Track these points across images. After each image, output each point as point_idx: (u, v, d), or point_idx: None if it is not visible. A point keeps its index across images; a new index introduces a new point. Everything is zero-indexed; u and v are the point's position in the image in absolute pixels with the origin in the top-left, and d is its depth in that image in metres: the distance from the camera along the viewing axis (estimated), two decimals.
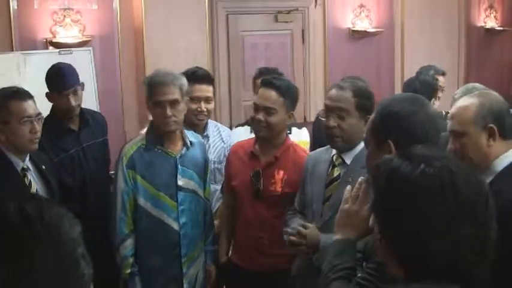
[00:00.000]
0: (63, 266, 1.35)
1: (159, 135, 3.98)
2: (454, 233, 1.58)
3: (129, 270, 3.94)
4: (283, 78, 4.20)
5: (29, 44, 6.15)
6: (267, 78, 4.09)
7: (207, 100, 4.47)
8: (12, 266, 1.30)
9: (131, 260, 3.95)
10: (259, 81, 5.03)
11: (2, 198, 1.43)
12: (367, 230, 2.35)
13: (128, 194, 3.93)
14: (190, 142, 4.06)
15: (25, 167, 3.78)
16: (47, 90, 4.37)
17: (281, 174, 3.96)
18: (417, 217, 1.61)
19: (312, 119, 6.98)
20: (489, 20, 10.01)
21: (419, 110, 2.61)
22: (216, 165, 4.55)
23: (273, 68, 5.49)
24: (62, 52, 6.03)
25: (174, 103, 3.88)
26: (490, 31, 9.96)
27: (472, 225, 1.59)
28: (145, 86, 3.99)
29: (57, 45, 6.23)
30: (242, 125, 5.26)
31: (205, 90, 4.46)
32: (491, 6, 10.00)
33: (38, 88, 4.25)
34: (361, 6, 8.66)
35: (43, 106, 4.16)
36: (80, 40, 6.41)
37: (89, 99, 5.82)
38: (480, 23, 9.91)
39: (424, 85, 5.49)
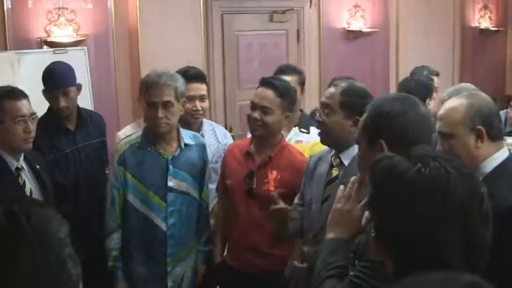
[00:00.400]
0: (49, 267, 1.35)
1: (154, 135, 3.98)
2: (444, 234, 1.58)
3: (111, 263, 3.97)
4: (283, 79, 4.20)
5: (23, 43, 6.12)
6: (267, 77, 4.10)
7: (202, 98, 4.47)
8: None
9: (115, 253, 3.99)
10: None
11: None
12: (359, 229, 2.36)
13: (117, 190, 3.97)
14: (186, 144, 4.06)
15: (19, 166, 3.78)
16: (41, 89, 4.39)
17: (274, 174, 3.96)
18: (408, 216, 1.61)
19: None
20: (484, 21, 10.03)
21: (410, 110, 2.62)
22: (211, 164, 4.55)
23: (293, 66, 5.46)
24: (57, 51, 6.02)
25: (166, 105, 3.89)
26: (485, 31, 9.98)
27: (463, 228, 1.59)
28: (140, 85, 4.01)
29: (52, 44, 6.21)
30: None
31: (199, 88, 4.46)
32: (485, 7, 10.02)
33: (32, 87, 4.25)
34: (356, 6, 8.66)
35: (38, 106, 4.16)
36: (75, 39, 6.39)
37: (83, 98, 5.80)
38: (475, 24, 9.93)
39: (419, 85, 5.49)
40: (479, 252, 1.62)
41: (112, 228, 3.99)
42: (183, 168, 4.04)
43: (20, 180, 3.76)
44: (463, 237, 1.59)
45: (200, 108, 4.45)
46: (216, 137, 4.65)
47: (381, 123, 2.59)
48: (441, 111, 2.96)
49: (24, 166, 3.83)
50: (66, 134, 4.38)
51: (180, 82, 3.97)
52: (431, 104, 5.54)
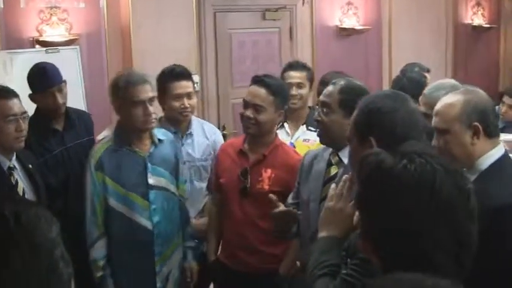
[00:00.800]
0: (40, 267, 1.35)
1: (126, 136, 3.98)
2: (429, 231, 1.58)
3: (100, 273, 3.95)
4: (275, 77, 4.19)
5: (16, 42, 6.12)
6: (259, 75, 4.09)
7: (189, 96, 4.44)
8: None
9: (102, 263, 3.96)
10: (286, 74, 5.05)
11: None
12: (351, 227, 2.36)
13: (97, 196, 3.94)
14: (159, 139, 4.07)
15: (11, 166, 3.77)
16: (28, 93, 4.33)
17: (269, 172, 3.96)
18: (394, 213, 1.61)
19: None
20: (476, 18, 10.05)
21: (400, 107, 2.62)
22: (201, 162, 4.55)
23: (303, 62, 5.46)
24: (49, 51, 6.01)
25: (152, 100, 3.94)
26: (478, 28, 10.00)
27: (450, 224, 1.59)
28: (115, 88, 3.97)
29: (44, 43, 6.20)
30: None
31: (186, 86, 4.43)
32: (478, 4, 10.05)
33: (24, 87, 4.24)
34: (349, 3, 8.66)
35: (30, 105, 4.16)
36: (67, 39, 6.38)
37: (76, 98, 5.80)
38: (467, 20, 9.95)
39: (412, 82, 5.48)
40: (466, 249, 1.61)
41: (95, 237, 3.95)
42: (159, 164, 4.05)
43: (12, 180, 3.75)
44: (450, 233, 1.58)
45: (188, 105, 4.43)
46: (205, 134, 4.63)
47: (371, 120, 2.59)
48: (437, 107, 2.95)
49: (17, 165, 3.82)
50: (55, 134, 4.34)
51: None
52: None
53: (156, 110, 4.05)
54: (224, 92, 7.77)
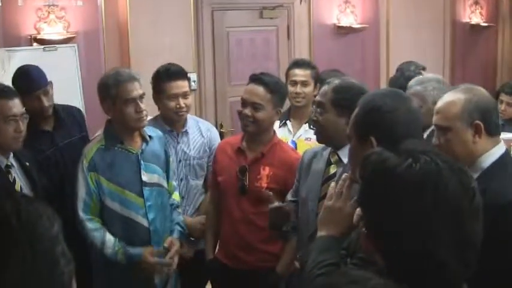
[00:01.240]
0: (40, 265, 1.34)
1: (117, 134, 3.98)
2: (433, 231, 1.57)
3: (116, 249, 3.90)
4: (272, 75, 4.18)
5: (13, 40, 6.11)
6: (256, 73, 4.08)
7: (185, 95, 4.42)
8: None
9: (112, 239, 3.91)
10: (291, 72, 5.05)
11: None
12: (350, 226, 2.36)
13: (90, 196, 3.90)
14: (149, 136, 4.07)
15: (9, 164, 3.77)
16: None
17: (267, 170, 3.96)
18: (399, 212, 1.59)
19: None
20: (474, 16, 10.05)
21: (401, 106, 2.61)
22: (196, 160, 4.53)
23: (308, 60, 5.45)
24: (47, 49, 6.01)
25: (142, 97, 3.92)
26: (475, 27, 10.00)
27: (455, 223, 1.58)
28: (105, 87, 3.94)
29: (42, 41, 6.20)
30: None
31: (182, 86, 4.41)
32: (476, 2, 10.05)
33: None
34: (346, 2, 8.66)
35: None
36: (65, 37, 6.38)
37: (73, 96, 5.81)
38: (465, 19, 9.95)
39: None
40: (471, 247, 1.61)
41: (99, 232, 3.91)
42: (151, 160, 4.04)
43: (10, 178, 3.74)
44: (455, 232, 1.57)
45: (184, 105, 4.41)
46: (200, 132, 4.61)
47: (372, 119, 2.58)
48: (439, 105, 2.94)
49: (14, 163, 3.81)
50: (45, 136, 4.30)
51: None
52: None
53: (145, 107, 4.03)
54: (221, 90, 7.77)
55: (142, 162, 3.99)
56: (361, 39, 8.80)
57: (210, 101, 7.69)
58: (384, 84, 8.35)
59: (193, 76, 7.12)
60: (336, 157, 3.43)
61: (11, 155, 3.79)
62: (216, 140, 4.64)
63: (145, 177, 3.99)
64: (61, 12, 6.42)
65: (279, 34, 8.19)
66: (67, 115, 4.51)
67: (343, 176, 2.53)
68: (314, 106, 3.55)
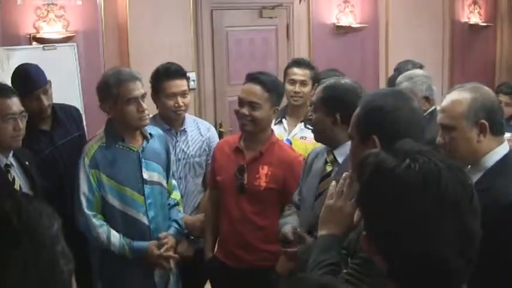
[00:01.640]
0: (40, 264, 1.34)
1: (119, 133, 3.98)
2: (434, 231, 1.56)
3: (122, 243, 3.91)
4: (269, 74, 4.18)
5: (13, 39, 6.10)
6: (253, 72, 4.09)
7: (183, 94, 4.43)
8: None
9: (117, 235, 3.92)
10: (290, 70, 5.05)
11: None
12: (351, 225, 2.37)
13: (92, 193, 3.91)
14: (150, 134, 4.07)
15: (8, 163, 3.76)
16: None
17: (265, 169, 3.96)
18: (397, 213, 1.59)
19: None
20: (473, 16, 10.06)
21: (403, 105, 2.61)
22: (195, 159, 4.55)
23: (308, 60, 5.45)
24: (46, 48, 6.00)
25: (144, 97, 3.93)
26: (474, 27, 10.01)
27: (455, 222, 1.58)
28: (106, 86, 3.94)
29: (41, 40, 6.19)
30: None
31: (180, 85, 4.42)
32: (475, 2, 10.06)
33: None
34: (346, 1, 8.66)
35: None
36: (64, 36, 6.37)
37: (72, 95, 5.80)
38: (464, 19, 9.96)
39: None
40: (471, 247, 1.60)
41: (106, 229, 3.91)
42: (152, 158, 4.05)
43: (9, 177, 3.74)
44: (456, 230, 1.57)
45: (182, 104, 4.42)
46: (199, 131, 4.62)
47: (374, 119, 2.58)
48: (444, 103, 2.95)
49: (14, 163, 3.81)
50: (43, 135, 4.29)
51: None
52: None
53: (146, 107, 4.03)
54: (221, 89, 7.77)
55: (143, 160, 3.99)
56: (361, 39, 8.80)
57: (209, 100, 7.69)
58: (383, 84, 8.36)
59: (192, 76, 7.12)
60: (332, 156, 3.46)
61: (11, 154, 3.79)
62: (215, 139, 4.66)
63: (146, 175, 3.99)
64: (60, 11, 6.41)
65: (279, 34, 8.19)
66: (65, 114, 4.49)
67: (344, 174, 2.53)
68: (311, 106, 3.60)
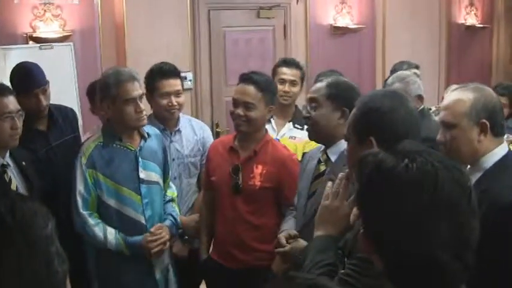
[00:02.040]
0: (35, 264, 1.34)
1: (116, 132, 3.98)
2: (430, 231, 1.56)
3: (118, 240, 3.91)
4: (262, 73, 4.18)
5: (9, 38, 6.10)
6: (246, 73, 4.09)
7: (177, 94, 4.44)
8: None
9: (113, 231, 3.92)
10: (279, 69, 5.05)
11: None
12: (347, 226, 2.37)
13: (88, 193, 3.90)
14: (148, 134, 4.07)
15: (5, 163, 3.75)
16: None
17: (260, 168, 3.96)
18: (397, 213, 1.59)
19: None
20: (469, 17, 10.07)
21: (400, 106, 2.61)
22: (189, 159, 4.55)
23: (297, 61, 5.45)
24: (43, 47, 6.01)
25: (142, 97, 3.94)
26: (471, 28, 10.02)
27: (453, 222, 1.58)
28: (105, 86, 3.93)
29: (38, 40, 6.19)
30: None
31: (174, 84, 4.43)
32: (471, 4, 10.07)
33: None
34: (343, 2, 8.67)
35: None
36: (61, 35, 6.37)
37: (69, 95, 5.80)
38: (461, 20, 9.97)
39: None
40: (469, 246, 1.60)
41: (103, 228, 3.92)
42: (149, 158, 4.04)
43: (5, 177, 3.73)
44: (454, 231, 1.56)
45: (176, 103, 4.42)
46: (194, 131, 4.63)
47: (371, 120, 2.57)
48: (446, 102, 2.97)
49: (10, 163, 3.80)
50: (39, 135, 4.28)
51: None
52: None
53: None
54: (218, 90, 7.77)
55: (140, 159, 3.99)
56: (358, 40, 8.81)
57: (206, 100, 7.70)
58: (379, 85, 8.37)
59: (189, 76, 7.13)
60: (325, 156, 3.48)
61: (7, 154, 3.78)
62: (209, 138, 4.67)
63: (142, 175, 3.98)
64: (57, 11, 6.42)
65: (276, 34, 8.20)
66: (61, 115, 4.47)
67: (340, 175, 2.53)
68: (306, 103, 3.59)
